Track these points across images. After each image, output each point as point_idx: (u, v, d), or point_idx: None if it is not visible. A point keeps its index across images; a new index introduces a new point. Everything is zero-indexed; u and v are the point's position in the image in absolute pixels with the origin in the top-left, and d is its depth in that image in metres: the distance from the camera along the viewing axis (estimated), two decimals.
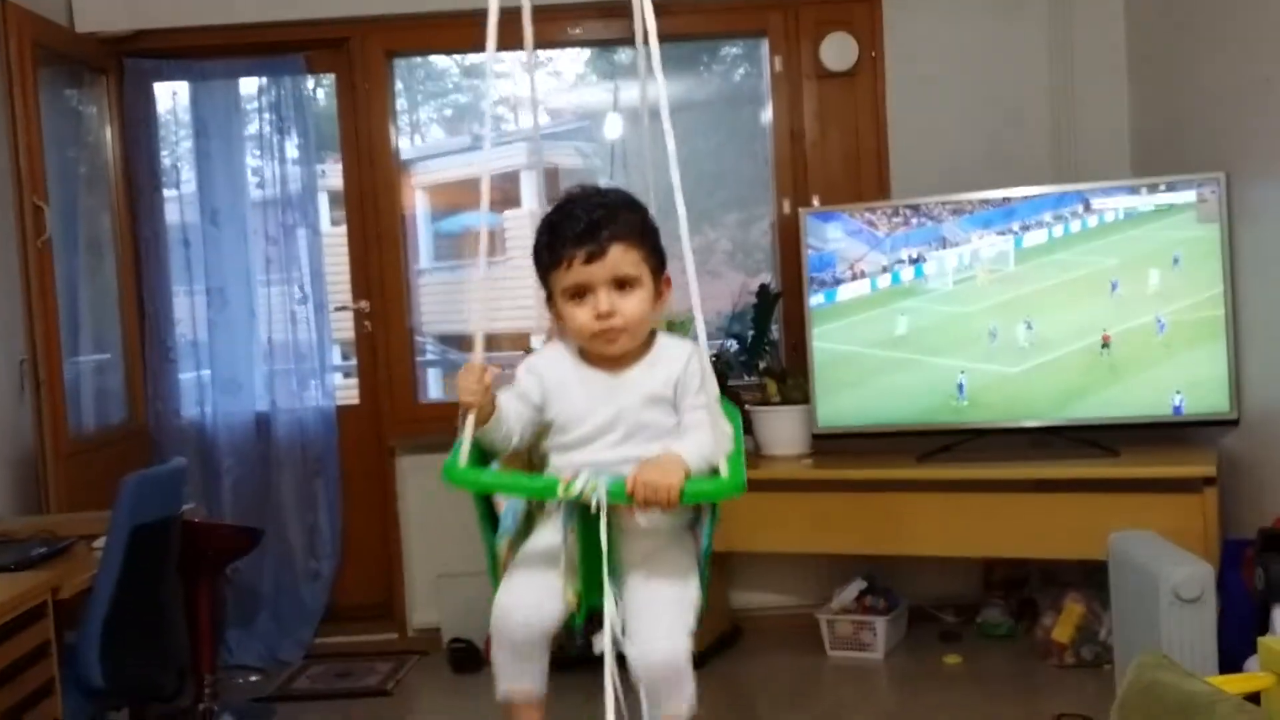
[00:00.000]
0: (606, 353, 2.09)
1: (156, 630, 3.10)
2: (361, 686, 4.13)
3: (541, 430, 2.13)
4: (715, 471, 1.93)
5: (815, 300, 4.03)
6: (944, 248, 3.93)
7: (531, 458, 2.19)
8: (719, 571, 2.09)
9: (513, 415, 2.06)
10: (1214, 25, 3.63)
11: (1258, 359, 3.55)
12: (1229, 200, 3.61)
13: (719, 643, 4.19)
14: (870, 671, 3.99)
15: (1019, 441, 3.93)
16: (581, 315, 2.06)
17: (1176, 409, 3.72)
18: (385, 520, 4.56)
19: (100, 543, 2.97)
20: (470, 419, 1.97)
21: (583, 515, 1.95)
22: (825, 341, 4.03)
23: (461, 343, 5.20)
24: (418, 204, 4.97)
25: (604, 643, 1.94)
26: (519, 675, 2.04)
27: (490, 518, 2.18)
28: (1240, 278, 3.61)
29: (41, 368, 3.75)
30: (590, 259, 2.03)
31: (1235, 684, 2.26)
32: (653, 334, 2.15)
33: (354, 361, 4.69)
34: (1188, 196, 3.70)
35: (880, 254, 3.98)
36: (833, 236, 4.03)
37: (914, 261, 3.96)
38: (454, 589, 4.41)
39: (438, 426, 4.65)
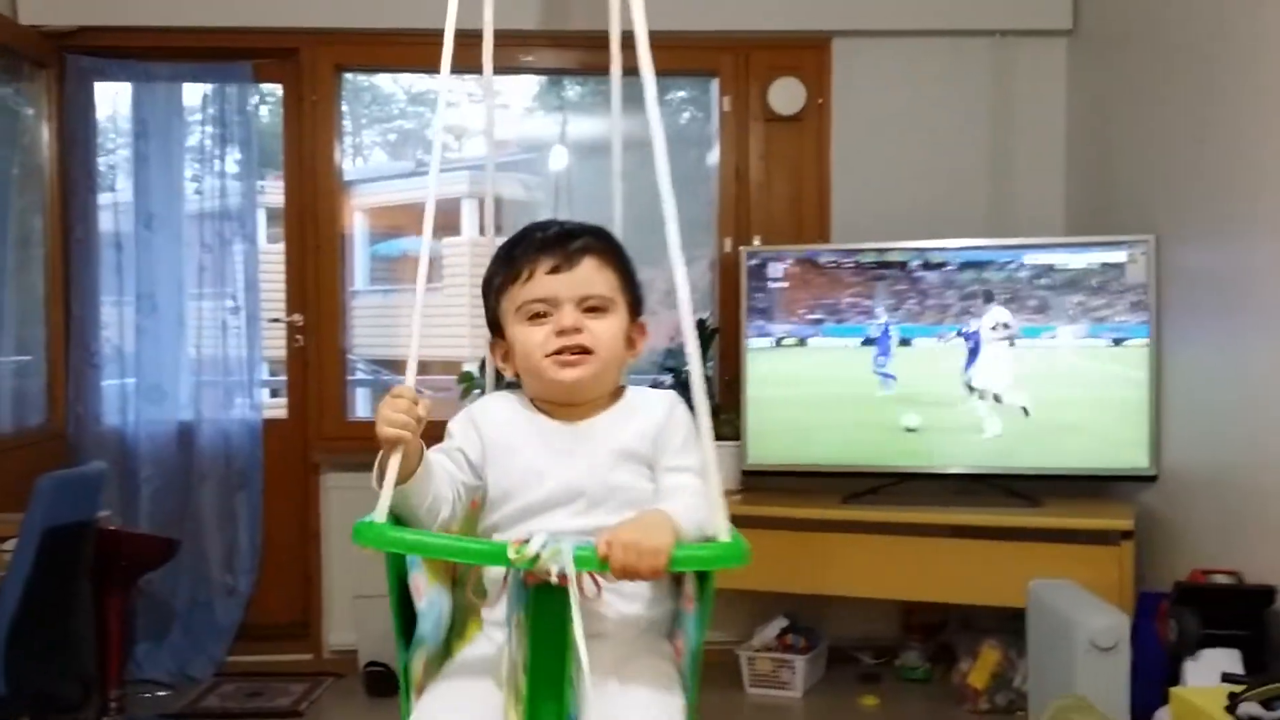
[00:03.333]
0: (562, 383, 1.67)
1: (63, 638, 3.02)
2: (273, 707, 4.04)
3: (477, 505, 1.71)
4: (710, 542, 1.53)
5: (753, 340, 4.06)
6: (883, 298, 4.00)
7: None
8: None
9: (443, 477, 1.62)
10: (1150, 89, 3.74)
11: (1178, 418, 3.63)
12: (1158, 261, 3.71)
13: None
14: (788, 710, 3.99)
15: (944, 488, 3.97)
16: (538, 334, 1.67)
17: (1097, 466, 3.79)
18: (305, 538, 4.48)
19: (10, 544, 2.89)
20: (394, 460, 1.52)
21: (535, 601, 1.47)
22: (759, 379, 4.06)
23: (395, 366, 5.17)
24: (356, 225, 4.94)
25: None
26: None
27: (405, 615, 1.64)
28: (1165, 338, 3.70)
29: None
30: (558, 269, 1.67)
31: None
32: (622, 388, 1.78)
33: (283, 378, 4.63)
34: (1118, 256, 3.79)
35: (820, 302, 4.03)
36: (772, 276, 4.07)
37: (836, 318, 4.02)
38: (372, 611, 4.34)
39: (365, 445, 4.67)
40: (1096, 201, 4.20)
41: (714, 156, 4.54)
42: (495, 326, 1.76)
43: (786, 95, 4.41)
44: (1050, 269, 3.87)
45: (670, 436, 1.68)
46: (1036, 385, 3.87)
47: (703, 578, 1.59)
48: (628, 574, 1.44)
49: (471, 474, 1.69)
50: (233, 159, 4.45)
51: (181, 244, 4.42)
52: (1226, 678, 2.47)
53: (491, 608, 1.66)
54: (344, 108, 4.69)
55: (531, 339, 1.68)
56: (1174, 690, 2.43)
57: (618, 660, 1.60)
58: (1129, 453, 3.75)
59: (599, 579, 1.48)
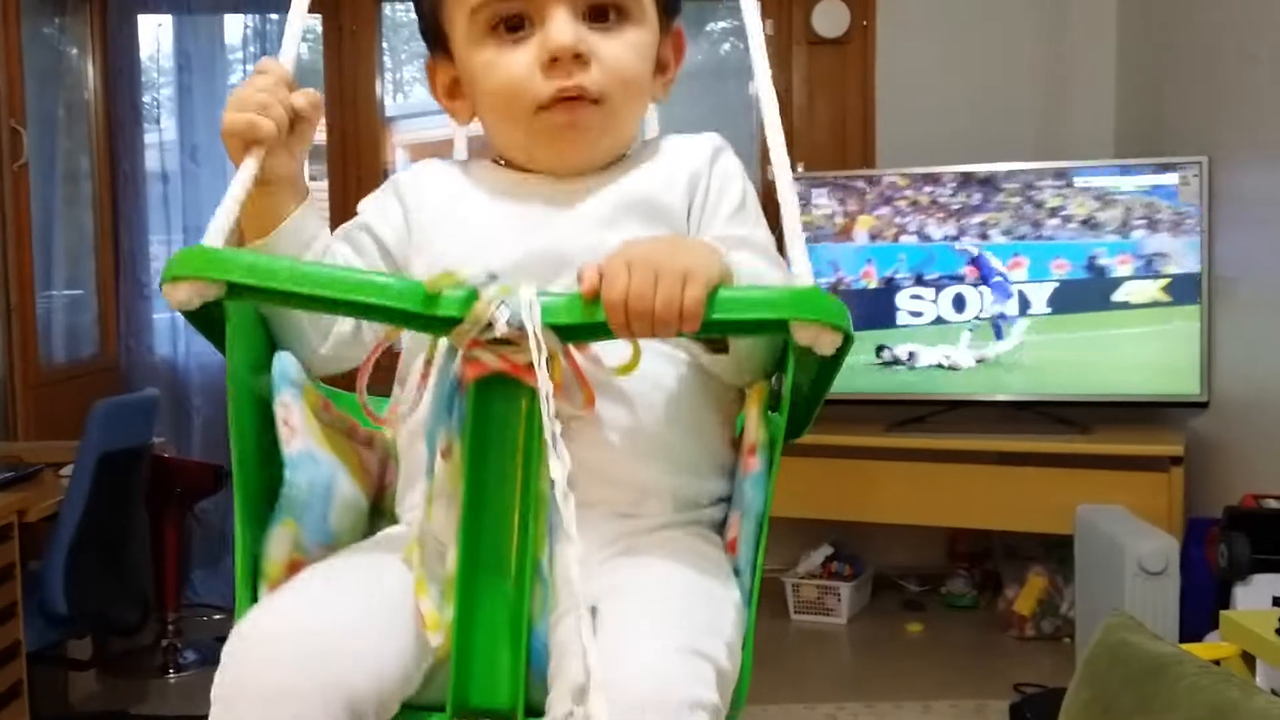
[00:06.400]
0: (560, 158, 1.10)
1: (121, 561, 3.08)
2: None
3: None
4: None
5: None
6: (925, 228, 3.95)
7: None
8: None
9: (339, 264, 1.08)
10: (1204, 7, 3.64)
11: (1230, 344, 3.58)
12: (1210, 184, 3.63)
13: None
14: (833, 636, 4.02)
15: (990, 414, 3.95)
16: (515, 63, 1.05)
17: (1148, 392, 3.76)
18: None
19: (68, 470, 2.95)
20: (248, 164, 1.05)
21: (477, 407, 0.93)
22: None
23: None
24: (398, 162, 4.94)
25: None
26: None
27: (256, 455, 1.06)
28: (1217, 263, 3.64)
29: (13, 293, 3.70)
30: None
31: (1200, 651, 2.29)
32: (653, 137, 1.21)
33: None
34: (1170, 178, 3.72)
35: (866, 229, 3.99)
36: (816, 204, 4.03)
37: (896, 237, 3.98)
38: None
39: None
40: (1148, 124, 4.11)
41: (754, 88, 4.47)
42: (435, 37, 1.14)
43: (830, 17, 4.33)
44: (1101, 192, 3.80)
45: (716, 195, 1.12)
46: (1085, 311, 3.82)
47: (775, 409, 1.04)
48: (642, 320, 0.86)
49: (385, 264, 1.12)
50: None
51: (227, 178, 4.39)
52: (1278, 601, 2.46)
53: (405, 429, 1.05)
54: (384, 44, 4.67)
55: (504, 72, 1.04)
56: (1224, 613, 2.41)
57: (626, 535, 1.04)
58: (1180, 379, 3.70)
59: (591, 365, 0.91)
